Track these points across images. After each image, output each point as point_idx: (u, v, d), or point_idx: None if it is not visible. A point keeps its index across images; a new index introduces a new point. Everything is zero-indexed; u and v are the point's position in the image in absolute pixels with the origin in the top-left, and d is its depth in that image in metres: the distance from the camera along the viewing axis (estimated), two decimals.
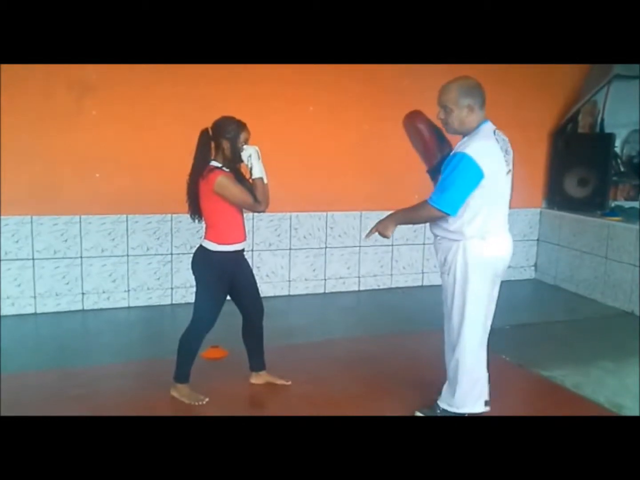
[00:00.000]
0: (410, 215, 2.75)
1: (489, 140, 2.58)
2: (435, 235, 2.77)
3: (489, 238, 2.63)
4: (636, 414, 3.04)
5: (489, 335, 2.82)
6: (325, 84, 4.77)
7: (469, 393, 2.78)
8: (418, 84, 4.40)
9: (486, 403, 2.85)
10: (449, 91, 2.60)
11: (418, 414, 2.89)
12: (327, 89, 4.83)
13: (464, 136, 2.63)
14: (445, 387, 2.85)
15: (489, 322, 2.83)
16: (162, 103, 4.42)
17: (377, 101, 4.97)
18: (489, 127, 2.63)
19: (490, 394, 2.86)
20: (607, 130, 5.53)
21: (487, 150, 2.54)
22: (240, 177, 2.93)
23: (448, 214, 2.57)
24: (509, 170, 2.66)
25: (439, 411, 2.84)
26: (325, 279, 5.15)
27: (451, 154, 2.61)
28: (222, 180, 2.81)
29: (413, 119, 2.84)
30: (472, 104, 2.58)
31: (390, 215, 2.76)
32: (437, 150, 2.79)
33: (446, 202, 2.55)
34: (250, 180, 2.91)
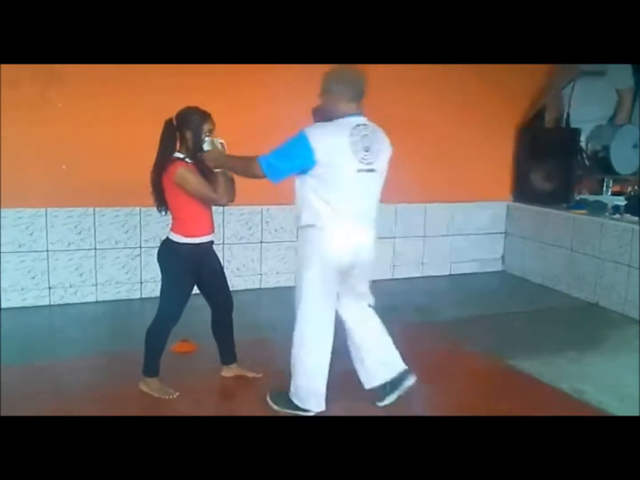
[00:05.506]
0: (237, 163, 2.75)
1: (337, 132, 2.51)
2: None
3: (329, 230, 2.59)
4: (597, 399, 3.12)
5: (457, 325, 2.84)
6: (298, 76, 4.75)
7: (303, 388, 2.79)
8: (389, 72, 4.42)
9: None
10: (325, 76, 2.60)
11: (268, 399, 2.90)
12: (300, 79, 4.81)
13: None
14: None
15: (355, 322, 2.84)
16: (130, 94, 4.34)
17: None
18: (350, 121, 2.54)
19: (460, 383, 2.88)
20: (573, 125, 5.65)
21: (329, 141, 2.50)
22: (203, 168, 2.87)
23: (267, 177, 2.58)
24: (369, 170, 2.56)
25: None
26: None
27: None
28: (181, 172, 2.77)
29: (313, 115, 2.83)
30: (338, 93, 2.54)
31: (224, 156, 2.76)
32: None
33: (269, 166, 2.55)
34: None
